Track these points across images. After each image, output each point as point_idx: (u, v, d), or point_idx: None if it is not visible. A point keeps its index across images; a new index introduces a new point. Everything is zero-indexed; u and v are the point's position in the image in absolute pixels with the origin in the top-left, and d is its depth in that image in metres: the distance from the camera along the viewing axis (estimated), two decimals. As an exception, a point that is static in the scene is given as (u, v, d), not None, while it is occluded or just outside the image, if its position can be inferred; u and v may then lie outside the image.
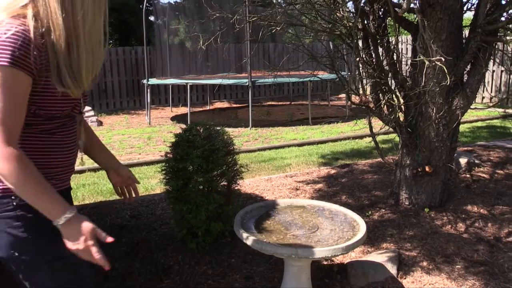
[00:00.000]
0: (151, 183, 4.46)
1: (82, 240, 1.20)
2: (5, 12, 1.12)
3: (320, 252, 1.88)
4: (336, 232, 2.10)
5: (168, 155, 2.77)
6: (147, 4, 9.85)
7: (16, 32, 1.10)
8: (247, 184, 4.09)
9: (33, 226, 1.23)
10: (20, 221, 1.21)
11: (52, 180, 1.28)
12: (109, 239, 1.23)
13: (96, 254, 1.21)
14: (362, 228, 2.07)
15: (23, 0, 1.14)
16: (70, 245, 1.22)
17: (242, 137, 7.18)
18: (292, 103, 11.40)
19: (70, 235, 1.21)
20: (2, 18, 1.11)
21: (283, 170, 4.88)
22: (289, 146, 6.33)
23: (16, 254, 1.22)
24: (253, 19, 3.40)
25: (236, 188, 2.93)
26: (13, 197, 1.20)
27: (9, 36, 1.09)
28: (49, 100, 1.22)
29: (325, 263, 2.66)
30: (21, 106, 1.15)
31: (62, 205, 1.20)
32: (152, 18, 13.30)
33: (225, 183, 2.84)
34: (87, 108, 7.90)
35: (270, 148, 6.25)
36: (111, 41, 16.59)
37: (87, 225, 1.21)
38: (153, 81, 9.59)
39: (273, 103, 11.32)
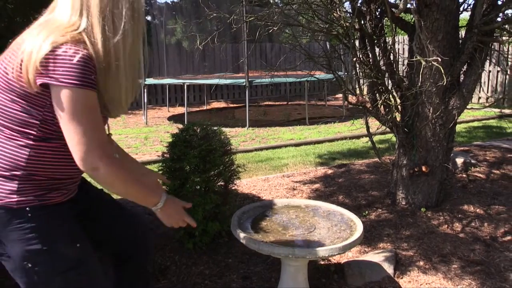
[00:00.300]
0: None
1: (176, 219, 1.48)
2: (61, 35, 1.19)
3: (317, 252, 1.88)
4: (333, 232, 2.10)
5: (165, 155, 2.77)
6: (144, 4, 9.83)
7: (83, 55, 1.18)
8: (244, 184, 4.09)
9: (47, 238, 1.27)
10: (34, 233, 1.26)
11: (63, 190, 1.34)
12: (193, 224, 1.53)
13: (190, 221, 1.51)
14: (359, 227, 2.08)
15: (79, 27, 1.22)
16: (167, 223, 1.48)
17: (239, 137, 7.18)
18: (289, 103, 11.41)
19: (165, 216, 1.45)
20: (59, 40, 1.18)
21: (280, 170, 4.88)
22: (286, 146, 6.33)
23: (30, 265, 1.26)
24: (250, 19, 3.40)
25: (233, 188, 2.93)
26: (27, 209, 1.26)
27: (78, 60, 1.17)
28: None
29: (322, 263, 2.66)
30: (100, 120, 1.27)
31: (157, 195, 1.40)
32: (149, 17, 13.27)
33: (222, 183, 2.84)
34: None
35: (267, 148, 6.25)
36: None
37: (175, 207, 1.46)
38: (150, 81, 9.57)
39: (270, 103, 11.32)
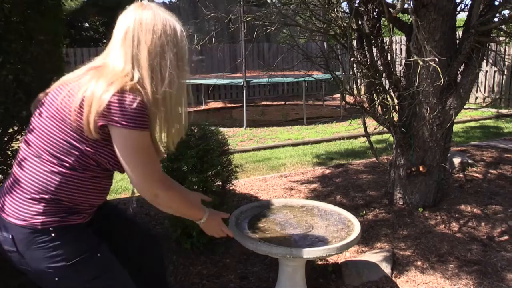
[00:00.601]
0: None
1: (217, 230, 1.69)
2: (121, 84, 1.32)
3: (314, 252, 1.88)
4: (331, 232, 2.10)
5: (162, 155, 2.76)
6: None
7: (139, 102, 1.32)
8: (242, 184, 4.09)
9: (69, 254, 1.37)
10: (57, 251, 1.36)
11: (83, 214, 1.45)
12: (231, 234, 1.73)
13: (228, 232, 1.71)
14: (356, 227, 2.08)
15: (132, 77, 1.35)
16: (208, 233, 1.69)
17: (237, 137, 7.17)
18: (287, 103, 11.40)
19: (208, 228, 1.66)
20: (119, 88, 1.31)
21: (278, 170, 4.88)
22: (283, 146, 6.33)
23: (57, 279, 1.38)
24: (247, 19, 3.40)
25: (230, 188, 2.93)
26: (51, 229, 1.36)
27: (136, 106, 1.31)
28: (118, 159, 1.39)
29: (320, 262, 2.66)
30: (155, 154, 1.42)
31: (201, 210, 1.63)
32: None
33: (220, 183, 2.84)
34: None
35: (264, 148, 6.25)
36: (105, 41, 16.53)
37: (217, 222, 1.67)
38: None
39: (267, 103, 11.31)
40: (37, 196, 1.36)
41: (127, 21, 1.38)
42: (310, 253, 1.88)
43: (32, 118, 1.44)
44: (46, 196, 1.36)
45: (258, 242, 1.91)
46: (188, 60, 1.47)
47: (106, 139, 1.36)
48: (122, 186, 4.24)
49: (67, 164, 1.36)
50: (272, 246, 1.89)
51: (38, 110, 1.42)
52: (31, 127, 1.42)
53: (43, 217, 1.35)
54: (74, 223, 1.41)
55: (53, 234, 1.36)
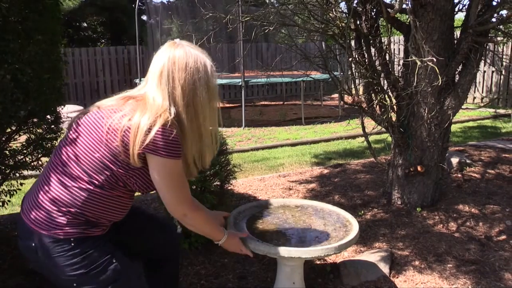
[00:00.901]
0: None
1: (236, 249, 1.87)
2: (163, 119, 1.45)
3: (313, 252, 1.88)
4: (329, 232, 2.10)
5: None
6: (139, 4, 9.81)
7: (175, 134, 1.46)
8: (240, 184, 4.09)
9: (88, 262, 1.47)
10: (76, 259, 1.46)
11: (102, 227, 1.55)
12: (250, 254, 1.89)
13: (248, 252, 1.87)
14: (355, 227, 2.08)
15: (170, 113, 1.48)
16: (229, 250, 1.88)
17: (235, 136, 7.17)
18: (285, 103, 11.41)
19: (228, 247, 1.84)
20: (162, 123, 1.45)
21: (276, 170, 4.89)
22: (282, 146, 6.34)
23: (75, 285, 1.48)
24: (246, 19, 3.40)
25: (229, 188, 2.93)
26: (72, 239, 1.46)
27: (173, 138, 1.45)
28: (146, 181, 1.55)
29: (318, 262, 2.66)
30: (186, 179, 1.58)
31: (221, 232, 1.78)
32: (144, 17, 13.25)
33: (218, 183, 2.84)
34: (77, 107, 7.85)
35: (263, 148, 6.25)
36: (103, 40, 16.51)
37: (235, 242, 1.84)
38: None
39: (266, 103, 11.32)
40: (64, 209, 1.46)
41: (161, 59, 1.51)
42: (308, 252, 1.88)
43: (69, 134, 1.55)
44: (72, 210, 1.46)
45: (256, 242, 1.91)
46: (217, 92, 1.62)
47: (140, 165, 1.49)
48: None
49: (96, 182, 1.48)
50: (270, 246, 1.90)
51: (77, 129, 1.54)
52: (67, 142, 1.53)
53: (66, 228, 1.46)
54: (93, 235, 1.52)
55: (72, 244, 1.46)
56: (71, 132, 1.55)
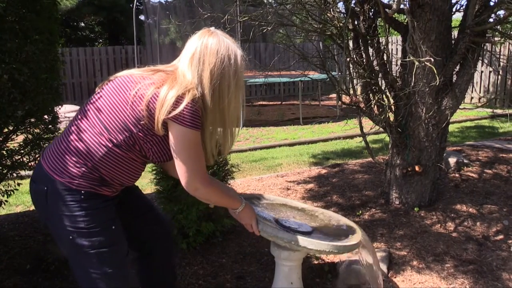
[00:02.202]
0: (141, 183, 4.43)
1: (248, 222, 1.85)
2: (192, 95, 1.52)
3: (319, 245, 1.85)
4: (331, 235, 2.08)
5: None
6: (137, 3, 9.80)
7: (199, 108, 1.54)
8: (238, 184, 4.09)
9: (91, 218, 1.53)
10: (81, 212, 1.52)
11: (113, 189, 1.61)
12: (257, 232, 1.87)
13: (256, 231, 1.86)
14: (358, 233, 2.06)
15: (196, 91, 1.55)
16: (241, 221, 1.86)
17: (233, 137, 7.16)
18: (283, 103, 11.40)
19: (242, 218, 1.84)
20: (187, 97, 1.51)
21: (274, 170, 4.89)
22: (280, 146, 6.34)
23: (71, 237, 1.53)
24: (244, 18, 3.40)
25: (227, 188, 2.93)
26: (82, 191, 1.53)
27: (197, 110, 1.52)
28: (161, 149, 1.60)
29: (316, 262, 2.67)
30: (202, 153, 1.61)
31: (239, 200, 1.81)
32: (142, 17, 13.23)
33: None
34: (75, 107, 7.84)
35: (261, 148, 6.25)
36: (101, 40, 16.48)
37: (250, 213, 1.84)
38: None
39: (264, 103, 11.31)
40: (82, 161, 1.53)
41: (195, 43, 1.60)
42: (314, 244, 1.85)
43: (97, 94, 1.62)
44: (88, 163, 1.53)
45: (265, 224, 1.88)
46: (244, 82, 1.68)
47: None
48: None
49: (115, 141, 1.54)
50: (278, 229, 1.87)
51: (105, 89, 1.62)
52: (94, 100, 1.61)
53: (80, 180, 1.53)
54: (102, 193, 1.58)
55: (82, 197, 1.52)
56: (98, 91, 1.63)
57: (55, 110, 2.85)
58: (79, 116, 1.61)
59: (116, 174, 1.59)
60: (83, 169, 1.53)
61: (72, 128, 1.60)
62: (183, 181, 1.59)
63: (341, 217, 2.26)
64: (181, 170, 1.57)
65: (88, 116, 1.59)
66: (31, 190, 1.62)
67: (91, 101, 1.62)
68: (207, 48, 1.57)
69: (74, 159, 1.54)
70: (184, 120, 1.51)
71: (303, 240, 1.85)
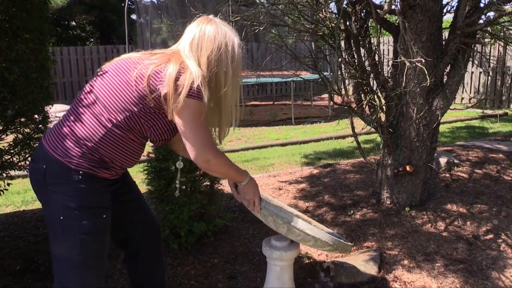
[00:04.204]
0: (133, 183, 4.41)
1: (252, 196, 1.84)
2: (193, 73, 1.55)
3: (318, 233, 1.85)
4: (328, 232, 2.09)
5: (150, 155, 2.75)
6: (129, 3, 9.75)
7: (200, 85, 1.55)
8: (230, 184, 4.08)
9: (85, 200, 1.55)
10: (76, 192, 1.53)
11: (111, 171, 1.62)
12: (258, 210, 1.85)
13: (258, 207, 1.84)
14: (349, 242, 2.08)
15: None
16: (244, 196, 1.85)
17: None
18: (275, 103, 11.41)
19: (246, 192, 1.84)
20: (190, 75, 1.53)
21: (266, 170, 4.89)
22: (272, 146, 6.34)
23: (61, 218, 1.54)
24: (236, 18, 3.40)
25: (219, 188, 2.93)
26: (81, 172, 1.54)
27: (199, 85, 1.53)
28: (162, 127, 1.62)
29: (308, 262, 2.67)
30: (208, 128, 1.64)
31: (244, 174, 1.81)
32: (134, 16, 13.17)
33: (208, 183, 2.83)
34: (66, 107, 7.78)
35: (253, 148, 6.25)
36: (92, 39, 16.38)
37: (255, 188, 1.84)
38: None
39: (256, 103, 11.31)
40: (81, 142, 1.54)
41: (194, 29, 1.63)
42: (311, 229, 1.84)
43: (97, 77, 1.64)
44: (88, 144, 1.54)
45: (267, 202, 1.87)
46: (241, 70, 1.70)
47: (161, 110, 1.57)
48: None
49: (114, 121, 1.55)
50: (280, 210, 1.87)
51: (105, 71, 1.64)
52: (95, 81, 1.62)
53: (79, 160, 1.53)
54: (101, 175, 1.59)
55: (80, 177, 1.53)
56: (99, 73, 1.65)
57: (46, 110, 2.83)
58: (80, 99, 1.62)
59: (116, 155, 1.59)
60: (83, 149, 1.54)
61: (73, 110, 1.61)
62: (193, 154, 1.59)
63: (333, 232, 2.28)
64: (190, 143, 1.58)
65: (88, 97, 1.60)
66: (30, 169, 1.63)
67: (91, 84, 1.63)
68: (204, 34, 1.60)
69: (74, 139, 1.55)
70: (190, 91, 1.52)
71: (301, 223, 1.84)
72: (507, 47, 8.82)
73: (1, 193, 2.75)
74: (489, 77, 9.37)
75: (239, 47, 1.64)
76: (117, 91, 1.57)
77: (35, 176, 1.60)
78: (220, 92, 1.62)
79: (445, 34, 3.21)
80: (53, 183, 1.54)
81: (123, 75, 1.59)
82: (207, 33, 1.60)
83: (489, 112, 8.51)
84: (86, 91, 1.63)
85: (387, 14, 2.96)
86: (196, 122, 1.55)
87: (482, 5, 2.96)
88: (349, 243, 2.00)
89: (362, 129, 3.29)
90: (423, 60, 2.62)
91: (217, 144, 1.75)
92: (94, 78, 1.65)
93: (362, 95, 3.20)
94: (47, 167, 1.54)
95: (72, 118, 1.59)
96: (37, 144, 2.76)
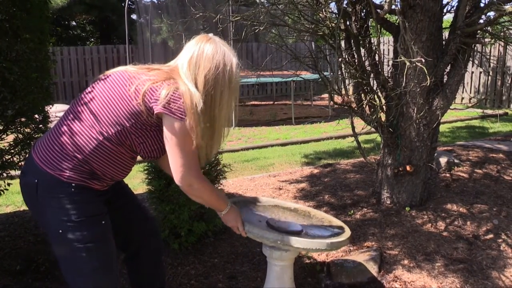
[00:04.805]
0: (133, 182, 4.41)
1: (234, 224, 1.84)
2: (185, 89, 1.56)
3: (305, 243, 1.86)
4: (321, 233, 2.09)
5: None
6: (129, 2, 9.75)
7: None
8: (230, 184, 4.09)
9: (81, 211, 1.54)
10: (71, 205, 1.53)
11: (103, 183, 1.61)
12: (243, 234, 1.86)
13: (242, 232, 1.85)
14: (347, 232, 2.08)
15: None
16: (226, 224, 1.86)
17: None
18: (275, 103, 11.41)
19: (228, 220, 1.84)
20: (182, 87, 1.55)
21: (266, 170, 4.89)
22: (272, 145, 6.34)
23: (61, 231, 1.53)
24: (236, 18, 3.40)
25: (219, 188, 2.93)
26: (73, 184, 1.53)
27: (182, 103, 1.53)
28: (153, 144, 1.62)
29: (308, 261, 2.67)
30: (196, 151, 1.61)
31: (225, 203, 1.81)
32: (134, 16, 13.16)
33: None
34: (66, 107, 7.78)
35: (253, 148, 6.26)
36: (92, 39, 16.38)
37: (235, 216, 1.83)
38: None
39: (256, 102, 11.31)
40: (72, 154, 1.53)
41: (192, 47, 1.63)
42: (300, 242, 1.86)
43: (90, 89, 1.63)
44: (79, 156, 1.54)
45: (251, 225, 1.89)
46: (237, 90, 1.70)
47: (153, 127, 1.57)
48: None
49: (105, 134, 1.54)
50: (264, 231, 1.88)
51: (100, 83, 1.63)
52: (89, 92, 1.62)
53: (70, 172, 1.53)
54: (93, 186, 1.58)
55: (72, 189, 1.53)
56: (94, 84, 1.64)
57: (46, 110, 2.83)
58: (71, 110, 1.61)
59: (107, 168, 1.59)
60: (74, 161, 1.53)
61: (64, 121, 1.60)
62: (177, 176, 1.59)
63: (332, 218, 2.27)
64: (175, 165, 1.57)
65: (80, 110, 1.59)
66: (21, 183, 1.62)
67: (84, 95, 1.62)
68: (203, 53, 1.60)
69: (65, 151, 1.54)
70: (178, 113, 1.52)
71: (289, 239, 1.86)
72: (507, 47, 8.82)
73: (1, 193, 2.75)
74: (489, 77, 9.36)
75: (237, 67, 1.65)
76: (111, 104, 1.56)
77: (27, 190, 1.59)
78: (215, 111, 1.62)
79: (445, 34, 3.21)
80: (46, 197, 1.53)
81: (118, 88, 1.58)
82: (205, 52, 1.61)
83: (489, 112, 8.51)
84: (79, 101, 1.62)
85: (387, 14, 2.96)
86: (184, 144, 1.56)
87: (482, 5, 2.96)
88: (343, 239, 1.99)
89: (362, 129, 3.29)
90: (423, 60, 2.62)
91: (207, 160, 1.76)
92: (88, 89, 1.64)
93: (362, 95, 3.20)
94: (39, 182, 1.53)
95: (63, 129, 1.58)
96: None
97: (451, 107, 3.14)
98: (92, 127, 1.55)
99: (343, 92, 3.16)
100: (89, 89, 1.64)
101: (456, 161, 4.13)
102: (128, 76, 1.60)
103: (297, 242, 1.86)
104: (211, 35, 1.69)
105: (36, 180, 1.54)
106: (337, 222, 2.23)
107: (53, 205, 1.53)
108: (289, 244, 1.86)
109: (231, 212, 1.83)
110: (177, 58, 1.67)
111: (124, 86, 1.58)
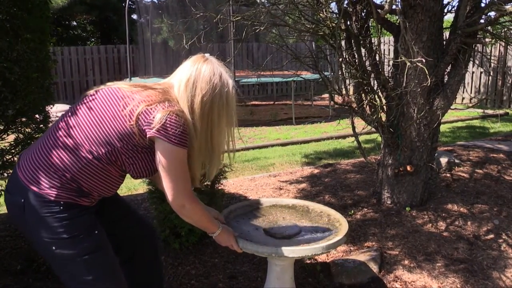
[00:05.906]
0: (133, 182, 4.42)
1: (228, 244, 1.87)
2: (182, 116, 1.55)
3: (300, 251, 1.88)
4: (319, 232, 2.11)
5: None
6: (129, 2, 9.75)
7: (186, 126, 1.56)
8: (231, 184, 4.09)
9: (71, 228, 1.51)
10: (61, 222, 1.50)
11: (91, 199, 1.59)
12: (238, 250, 1.90)
13: (238, 250, 1.89)
14: (344, 228, 2.08)
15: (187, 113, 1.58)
16: (220, 244, 1.89)
17: (226, 136, 7.15)
18: (276, 103, 11.41)
19: (221, 241, 1.87)
20: (176, 115, 1.53)
21: (267, 170, 4.89)
22: (272, 145, 6.34)
23: (54, 248, 1.51)
24: (236, 18, 3.40)
25: (219, 188, 2.93)
26: (61, 202, 1.50)
27: (184, 128, 1.54)
28: (143, 166, 1.61)
29: (308, 261, 2.67)
30: (188, 174, 1.63)
31: (216, 225, 1.82)
32: (135, 16, 13.17)
33: (209, 183, 2.83)
34: (67, 107, 7.79)
35: (253, 148, 6.25)
36: (93, 39, 16.38)
37: (228, 236, 1.85)
38: (136, 80, 9.49)
39: (256, 102, 11.31)
40: (60, 172, 1.50)
41: (190, 68, 1.61)
42: (295, 252, 1.88)
43: (79, 105, 1.60)
44: (67, 175, 1.51)
45: (245, 241, 1.91)
46: (235, 112, 1.69)
47: (144, 149, 1.56)
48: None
49: (95, 153, 1.52)
50: (258, 245, 1.90)
51: (91, 100, 1.59)
52: (78, 109, 1.58)
53: (58, 191, 1.50)
54: (81, 203, 1.55)
55: (61, 208, 1.50)
56: (84, 101, 1.60)
57: (47, 109, 2.83)
58: (60, 126, 1.57)
59: (95, 186, 1.57)
60: (62, 180, 1.50)
61: (52, 136, 1.56)
62: (170, 196, 1.59)
63: (330, 210, 2.29)
64: (168, 187, 1.58)
65: (70, 125, 1.55)
66: (7, 202, 1.58)
67: (72, 112, 1.59)
68: (200, 74, 1.59)
69: (52, 170, 1.51)
70: (170, 136, 1.51)
71: (282, 251, 1.87)
72: (508, 47, 8.82)
73: (2, 193, 2.76)
74: (490, 77, 9.36)
75: (233, 89, 1.65)
76: (102, 123, 1.53)
77: (14, 209, 1.55)
78: (213, 133, 1.62)
79: (446, 34, 3.21)
80: (34, 216, 1.50)
81: (110, 107, 1.55)
82: (202, 73, 1.59)
83: (489, 112, 8.50)
84: (68, 117, 1.58)
85: (387, 14, 2.96)
86: (177, 168, 1.55)
87: (483, 5, 2.96)
88: (338, 238, 1.99)
89: (363, 129, 3.29)
90: (424, 60, 2.61)
91: (208, 179, 1.79)
92: (79, 105, 1.60)
93: (363, 95, 3.20)
94: (25, 201, 1.50)
95: (49, 144, 1.54)
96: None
97: (451, 107, 3.14)
98: (81, 145, 1.52)
99: (344, 92, 3.16)
100: (80, 104, 1.60)
101: (456, 161, 4.12)
102: (122, 95, 1.57)
103: (292, 252, 1.88)
104: (207, 55, 1.68)
105: (22, 200, 1.50)
106: (335, 214, 2.24)
107: (43, 224, 1.50)
108: (283, 256, 1.88)
109: (223, 233, 1.84)
110: (172, 76, 1.66)
111: (117, 105, 1.55)
